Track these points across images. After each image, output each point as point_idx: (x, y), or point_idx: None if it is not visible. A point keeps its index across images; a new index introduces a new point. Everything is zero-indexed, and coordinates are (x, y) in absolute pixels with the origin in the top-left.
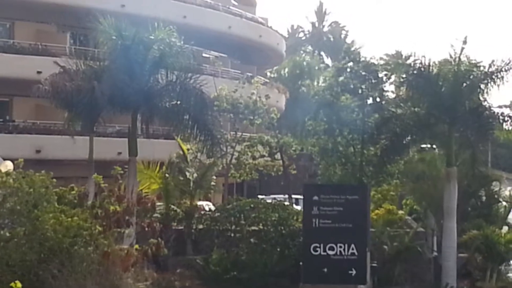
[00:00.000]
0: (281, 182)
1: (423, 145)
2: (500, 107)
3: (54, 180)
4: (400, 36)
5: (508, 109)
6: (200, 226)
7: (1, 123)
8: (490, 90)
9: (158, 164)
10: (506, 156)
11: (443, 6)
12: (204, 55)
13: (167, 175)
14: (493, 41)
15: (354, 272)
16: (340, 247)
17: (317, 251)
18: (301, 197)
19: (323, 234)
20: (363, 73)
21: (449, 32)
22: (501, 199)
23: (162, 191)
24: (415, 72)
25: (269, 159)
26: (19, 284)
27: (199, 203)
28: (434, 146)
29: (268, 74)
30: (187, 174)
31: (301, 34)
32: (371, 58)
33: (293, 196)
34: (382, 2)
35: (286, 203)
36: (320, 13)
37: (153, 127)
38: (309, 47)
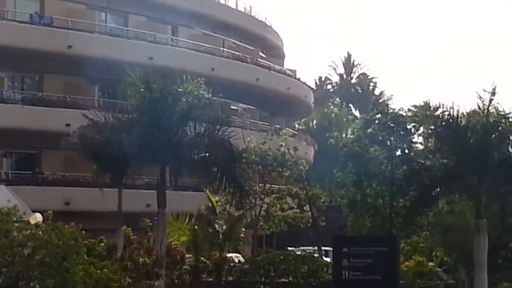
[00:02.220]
0: (310, 233)
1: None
2: None
3: (83, 232)
4: (428, 87)
5: None
6: (230, 278)
7: (30, 175)
8: None
9: (187, 216)
10: None
11: (472, 56)
12: (232, 107)
13: (196, 227)
14: None
15: None
16: None
17: None
18: (331, 249)
19: (353, 286)
20: (392, 124)
21: (478, 81)
22: None
23: (191, 243)
24: (443, 123)
25: (298, 211)
26: None
27: (229, 255)
28: (463, 197)
29: (297, 126)
30: (216, 226)
31: (329, 86)
32: (399, 109)
33: (323, 248)
34: (410, 53)
35: (316, 255)
36: (348, 65)
37: (181, 179)
38: (337, 99)
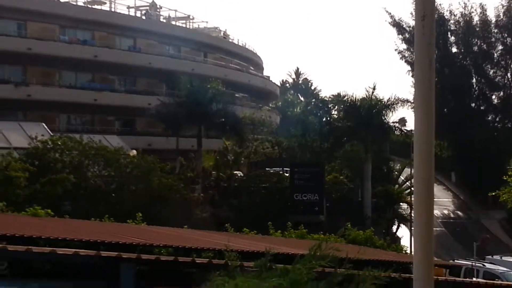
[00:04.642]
0: (278, 161)
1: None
2: (393, 122)
3: (158, 159)
4: (340, 83)
5: (397, 123)
6: (235, 185)
7: (129, 130)
8: (388, 114)
9: (213, 152)
10: (397, 147)
11: (365, 67)
12: (236, 95)
13: (217, 157)
14: (392, 84)
15: (317, 208)
16: (310, 195)
17: (297, 197)
18: (289, 169)
19: (300, 188)
20: (320, 105)
21: (367, 79)
22: (394, 170)
23: (215, 166)
24: (347, 104)
25: (271, 149)
26: (139, 214)
27: (235, 172)
28: (358, 142)
29: (270, 105)
30: (228, 157)
31: (287, 85)
32: (324, 97)
33: (284, 168)
34: (333, 63)
35: (281, 172)
36: (297, 73)
37: (210, 132)
38: (291, 91)
